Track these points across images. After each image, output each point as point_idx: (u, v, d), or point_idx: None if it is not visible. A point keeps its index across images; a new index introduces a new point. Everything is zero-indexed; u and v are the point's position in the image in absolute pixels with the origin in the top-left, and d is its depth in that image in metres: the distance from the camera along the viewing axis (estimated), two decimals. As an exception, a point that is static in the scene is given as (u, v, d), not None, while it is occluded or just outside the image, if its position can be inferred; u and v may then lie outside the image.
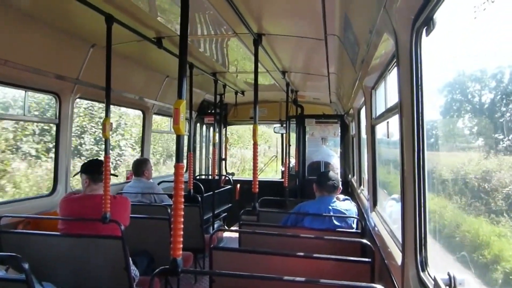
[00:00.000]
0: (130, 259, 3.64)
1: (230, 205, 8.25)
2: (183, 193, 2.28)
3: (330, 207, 4.34)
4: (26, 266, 2.45)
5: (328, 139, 8.90)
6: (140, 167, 5.96)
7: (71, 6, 3.55)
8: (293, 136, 9.19)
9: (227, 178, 9.00)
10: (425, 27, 1.91)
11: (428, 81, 2.06)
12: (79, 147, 12.81)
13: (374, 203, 4.36)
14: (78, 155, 12.59)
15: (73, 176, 4.94)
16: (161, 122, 11.32)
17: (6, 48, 3.88)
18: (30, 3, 3.75)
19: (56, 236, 3.70)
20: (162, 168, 16.12)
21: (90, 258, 3.58)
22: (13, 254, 2.56)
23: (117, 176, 4.13)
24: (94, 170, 3.95)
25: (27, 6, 3.78)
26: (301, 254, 3.13)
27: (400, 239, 2.47)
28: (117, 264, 3.50)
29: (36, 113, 10.18)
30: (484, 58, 1.76)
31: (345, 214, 4.33)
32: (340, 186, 4.58)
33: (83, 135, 13.07)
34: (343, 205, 4.45)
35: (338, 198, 4.53)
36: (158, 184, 6.53)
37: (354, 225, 4.39)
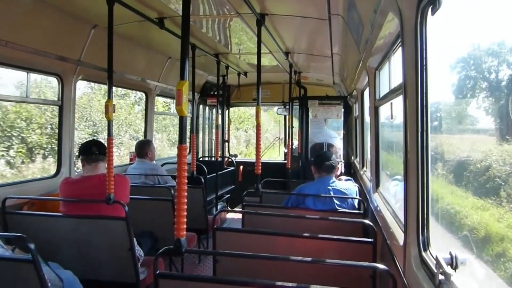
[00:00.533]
0: (135, 239, 3.68)
1: (233, 186, 8.29)
2: (186, 174, 2.29)
3: (329, 187, 4.36)
4: (32, 246, 2.48)
5: (330, 120, 8.87)
6: (143, 148, 5.98)
7: None
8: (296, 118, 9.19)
9: (230, 159, 9.02)
10: (431, 6, 1.88)
11: (433, 62, 2.05)
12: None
13: (377, 184, 4.37)
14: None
15: (76, 158, 4.96)
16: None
17: (7, 29, 3.85)
18: None
19: (61, 217, 3.73)
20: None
21: (94, 238, 3.62)
22: (19, 234, 2.59)
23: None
24: (85, 151, 3.96)
25: None
26: (304, 234, 3.15)
27: (402, 220, 2.48)
28: (121, 245, 3.54)
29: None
30: (488, 38, 1.74)
31: (345, 193, 4.35)
32: (339, 166, 4.59)
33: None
34: (343, 184, 4.47)
35: (340, 179, 4.54)
36: (162, 165, 6.55)
37: (356, 205, 4.42)
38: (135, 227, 3.66)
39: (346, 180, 4.76)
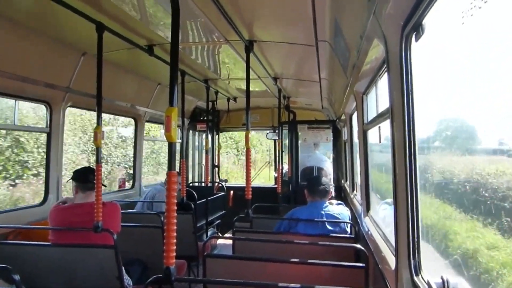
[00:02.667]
0: (123, 268, 3.62)
1: (223, 212, 8.24)
2: (176, 200, 2.28)
3: (322, 212, 4.34)
4: (17, 277, 2.43)
5: (320, 144, 8.92)
6: None
7: (62, 14, 3.54)
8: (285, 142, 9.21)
9: (220, 185, 8.99)
10: (415, 33, 1.93)
11: (419, 86, 2.08)
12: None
13: (367, 207, 4.37)
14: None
15: (66, 181, 4.91)
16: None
17: None
18: (20, 12, 3.73)
19: (47, 246, 3.66)
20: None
21: (82, 267, 3.55)
22: (4, 265, 2.53)
23: (105, 186, 4.10)
24: (81, 178, 3.93)
25: (17, 15, 3.76)
26: (296, 260, 3.12)
27: (393, 244, 2.48)
28: (110, 273, 3.47)
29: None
30: (472, 63, 1.78)
31: (338, 218, 4.33)
32: (331, 190, 4.59)
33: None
34: (336, 209, 4.46)
35: (331, 203, 4.53)
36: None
37: (348, 229, 4.40)
38: (123, 254, 3.60)
39: (337, 204, 4.75)
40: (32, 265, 3.50)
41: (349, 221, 4.42)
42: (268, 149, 20.13)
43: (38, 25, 4.01)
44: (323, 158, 8.80)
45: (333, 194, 7.50)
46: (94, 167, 3.77)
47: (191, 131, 9.75)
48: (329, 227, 4.29)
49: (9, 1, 3.50)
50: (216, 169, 9.41)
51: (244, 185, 4.13)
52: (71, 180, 4.03)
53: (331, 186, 4.69)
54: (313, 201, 4.45)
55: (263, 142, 22.06)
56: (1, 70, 3.93)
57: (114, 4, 3.40)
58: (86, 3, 3.42)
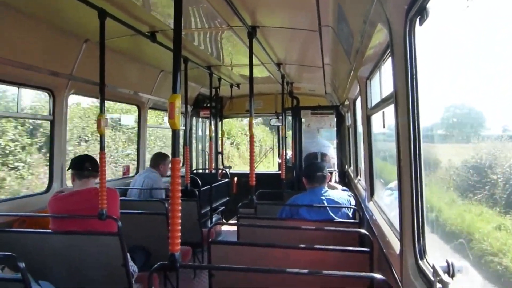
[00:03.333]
0: (128, 255, 3.64)
1: (227, 198, 8.26)
2: (180, 187, 2.29)
3: (322, 197, 4.36)
4: (22, 265, 2.44)
5: (323, 130, 8.90)
6: (157, 160, 6.18)
7: (64, 1, 3.53)
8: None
9: (224, 171, 9.01)
10: (419, 17, 1.91)
11: (423, 71, 2.07)
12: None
13: (371, 193, 4.37)
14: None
15: (67, 169, 4.94)
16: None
17: None
18: None
19: (52, 234, 3.68)
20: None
21: (87, 255, 3.57)
22: (9, 253, 2.55)
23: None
24: (77, 166, 3.95)
25: (19, 2, 3.75)
26: (300, 245, 3.14)
27: (398, 228, 2.48)
28: (114, 261, 3.49)
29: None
30: (476, 47, 1.76)
31: (339, 203, 4.35)
32: (329, 174, 4.60)
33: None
34: (335, 193, 4.47)
35: (335, 187, 4.54)
36: None
37: (350, 214, 4.42)
38: (128, 242, 3.62)
39: (343, 190, 4.75)
40: (37, 253, 3.53)
41: (353, 206, 4.43)
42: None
43: (40, 12, 4.00)
44: (326, 144, 8.78)
45: (337, 179, 7.54)
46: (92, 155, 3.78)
47: (194, 118, 9.75)
48: (331, 212, 4.31)
49: None
50: (220, 155, 9.42)
51: (248, 172, 4.14)
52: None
53: (332, 171, 4.69)
54: (312, 187, 4.47)
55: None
56: (4, 57, 3.92)
57: None
58: None
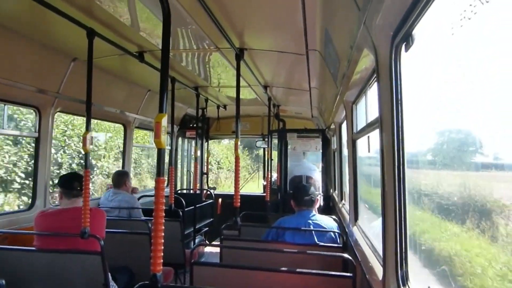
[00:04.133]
0: (110, 274, 3.58)
1: (211, 219, 8.21)
2: (164, 207, 2.27)
3: (310, 221, 4.33)
4: (3, 282, 2.40)
5: (309, 153, 8.93)
6: (122, 178, 5.89)
7: (53, 20, 3.53)
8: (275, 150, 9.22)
9: (208, 192, 8.96)
10: (404, 43, 1.95)
11: (408, 96, 2.09)
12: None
13: (356, 217, 4.37)
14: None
15: (54, 187, 4.87)
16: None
17: None
18: (10, 17, 3.72)
19: (34, 251, 3.63)
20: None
21: (68, 273, 3.51)
22: None
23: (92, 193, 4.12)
24: (66, 185, 3.91)
25: (8, 20, 3.75)
26: (283, 269, 3.11)
27: (381, 254, 2.48)
28: (96, 280, 3.44)
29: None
30: (461, 73, 1.79)
31: (325, 228, 4.33)
32: (318, 198, 4.58)
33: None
34: (323, 218, 4.45)
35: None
36: (139, 199, 6.46)
37: (337, 239, 4.40)
38: (110, 261, 3.57)
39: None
40: (18, 270, 3.47)
41: (337, 231, 4.41)
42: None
43: (29, 30, 4.00)
44: (312, 167, 8.80)
45: (321, 203, 7.53)
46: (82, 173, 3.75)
47: (180, 138, 9.73)
48: (316, 237, 4.29)
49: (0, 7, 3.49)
50: (205, 176, 9.38)
51: (233, 193, 4.12)
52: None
53: (319, 195, 4.69)
54: (300, 210, 4.45)
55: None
56: None
57: (105, 10, 3.40)
58: (77, 9, 3.42)
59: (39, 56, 4.41)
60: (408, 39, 1.89)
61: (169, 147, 7.14)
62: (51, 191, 5.11)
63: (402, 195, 2.12)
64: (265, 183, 9.28)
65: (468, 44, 1.60)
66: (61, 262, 3.53)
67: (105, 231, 4.01)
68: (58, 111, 5.12)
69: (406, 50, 1.95)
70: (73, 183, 3.90)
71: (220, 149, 23.76)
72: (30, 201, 4.99)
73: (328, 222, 4.42)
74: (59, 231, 3.69)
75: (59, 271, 3.52)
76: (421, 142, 2.50)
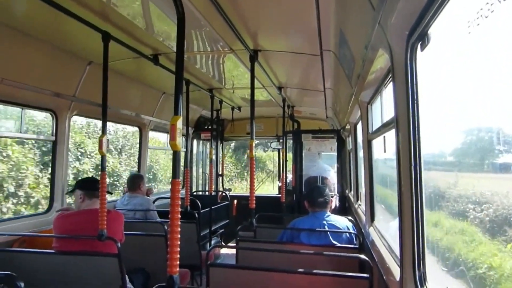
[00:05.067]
0: (127, 276, 3.61)
1: (227, 221, 8.22)
2: (179, 209, 2.28)
3: (324, 222, 4.32)
4: (22, 284, 2.43)
5: (324, 154, 8.90)
6: (137, 181, 5.93)
7: (68, 24, 3.57)
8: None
9: (224, 194, 8.98)
10: (420, 42, 1.93)
11: (425, 96, 2.07)
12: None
13: (372, 218, 4.34)
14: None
15: (66, 193, 4.91)
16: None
17: (2, 66, 3.89)
18: (27, 22, 3.77)
19: (52, 254, 3.67)
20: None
21: (85, 275, 3.54)
22: (8, 272, 2.53)
23: (111, 194, 4.14)
24: (90, 186, 3.97)
25: (24, 25, 3.80)
26: (299, 270, 3.10)
27: (398, 255, 2.46)
28: (113, 282, 3.47)
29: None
30: (479, 72, 1.77)
31: (340, 228, 4.31)
32: (332, 199, 4.56)
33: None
34: (338, 219, 4.43)
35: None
36: (154, 201, 6.50)
37: (353, 239, 4.37)
38: (127, 263, 3.60)
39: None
40: (36, 273, 3.51)
41: (353, 231, 4.39)
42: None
43: (45, 34, 4.05)
44: (327, 168, 8.77)
45: (337, 204, 7.50)
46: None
47: (195, 140, 9.77)
48: (332, 237, 4.27)
49: (16, 12, 3.54)
50: (220, 178, 9.40)
51: (248, 195, 4.13)
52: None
53: (332, 196, 4.67)
54: (314, 211, 4.44)
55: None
56: (8, 79, 3.96)
57: (120, 13, 3.43)
58: (92, 13, 3.45)
59: (55, 60, 4.46)
60: (423, 38, 1.88)
61: (184, 149, 7.17)
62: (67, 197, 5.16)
63: (419, 196, 2.10)
64: (280, 184, 9.28)
65: (486, 42, 1.58)
66: (79, 264, 3.57)
67: (123, 234, 4.04)
68: (75, 115, 5.17)
69: (422, 49, 1.93)
70: (95, 185, 3.95)
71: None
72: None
73: (342, 222, 4.40)
74: (79, 232, 3.73)
75: (77, 273, 3.55)
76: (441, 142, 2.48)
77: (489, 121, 1.85)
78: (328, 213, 4.42)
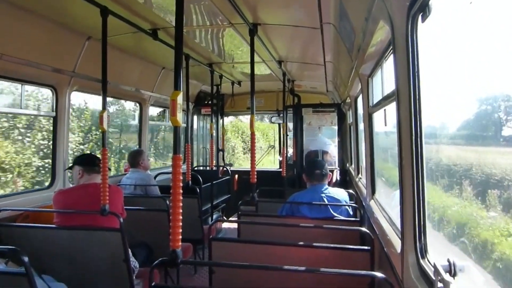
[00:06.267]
0: (130, 250, 3.66)
1: (228, 195, 8.27)
2: (181, 184, 2.29)
3: (323, 195, 4.36)
4: (26, 259, 2.46)
5: (324, 128, 8.90)
6: (136, 158, 5.97)
7: None
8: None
9: (225, 169, 9.01)
10: (421, 14, 1.90)
11: (426, 68, 2.06)
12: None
13: (372, 191, 4.37)
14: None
15: (65, 170, 4.93)
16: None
17: (1, 42, 3.86)
18: None
19: (55, 228, 3.71)
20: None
21: (89, 250, 3.59)
22: (13, 247, 2.56)
23: (110, 170, 4.14)
24: (89, 162, 4.00)
25: (22, 0, 3.76)
26: (300, 243, 3.14)
27: (399, 227, 2.48)
28: (116, 256, 3.51)
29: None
30: (480, 44, 1.75)
31: (339, 200, 4.35)
32: (330, 173, 4.59)
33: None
34: (335, 191, 4.47)
35: None
36: (155, 176, 6.52)
37: (350, 211, 4.42)
38: (129, 238, 3.64)
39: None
40: (40, 247, 3.55)
41: (354, 204, 4.43)
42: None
43: (43, 9, 4.01)
44: (327, 142, 8.78)
45: (338, 177, 7.54)
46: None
47: (195, 116, 9.75)
48: (332, 209, 4.31)
49: None
50: (221, 153, 9.42)
51: (249, 169, 4.14)
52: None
53: (334, 169, 4.69)
54: (312, 185, 4.47)
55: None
56: (7, 55, 3.93)
57: None
58: None
59: (54, 36, 4.42)
60: (424, 9, 1.85)
61: (184, 125, 7.16)
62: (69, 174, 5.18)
63: (420, 168, 2.10)
64: (281, 158, 9.30)
65: (487, 12, 1.56)
66: (82, 239, 3.60)
67: (124, 208, 4.08)
68: (74, 90, 5.15)
69: (423, 20, 1.91)
70: (94, 161, 4.01)
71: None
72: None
73: (341, 194, 4.45)
74: (79, 207, 3.77)
75: (80, 248, 3.60)
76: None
77: (492, 91, 1.84)
78: (326, 185, 4.45)
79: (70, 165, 4.25)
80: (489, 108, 1.95)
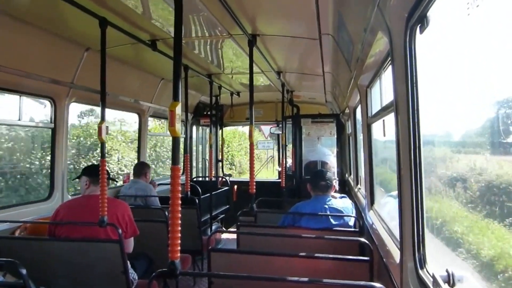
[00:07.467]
0: (128, 262, 3.64)
1: (227, 206, 8.26)
2: (180, 195, 2.28)
3: (326, 206, 4.34)
4: (24, 271, 2.44)
5: (323, 138, 8.91)
6: (143, 169, 6.05)
7: (65, 10, 3.54)
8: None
9: (224, 179, 9.00)
10: (419, 25, 1.91)
11: (424, 79, 2.06)
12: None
13: (372, 201, 4.36)
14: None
15: (73, 180, 4.94)
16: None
17: (0, 53, 3.87)
18: (23, 8, 3.74)
19: (53, 240, 3.70)
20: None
21: (88, 262, 3.57)
22: (10, 259, 2.55)
23: (116, 181, 4.15)
24: (97, 173, 3.98)
25: (21, 11, 3.77)
26: (300, 254, 3.13)
27: (398, 237, 2.47)
28: (115, 268, 3.50)
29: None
30: (478, 55, 1.76)
31: (341, 212, 4.34)
32: (334, 184, 4.58)
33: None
34: (339, 202, 4.45)
35: (334, 196, 4.53)
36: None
37: (351, 223, 4.40)
38: None
39: (341, 197, 4.75)
40: (38, 260, 3.53)
41: (353, 215, 4.41)
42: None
43: (42, 21, 4.02)
44: (326, 152, 8.79)
45: (337, 188, 7.52)
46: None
47: (194, 126, 9.76)
48: (333, 221, 4.29)
49: None
50: (220, 163, 9.41)
51: (248, 180, 4.14)
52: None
53: (334, 180, 4.69)
54: (316, 195, 4.46)
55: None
56: (6, 66, 3.94)
57: None
58: None
59: (53, 47, 4.43)
60: (423, 21, 1.86)
61: (183, 135, 7.17)
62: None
63: (418, 179, 2.10)
64: (280, 169, 9.30)
65: (485, 24, 1.57)
66: (81, 251, 3.59)
67: (133, 222, 4.10)
68: (73, 101, 5.16)
69: (421, 32, 1.92)
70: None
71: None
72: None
73: (344, 205, 4.43)
74: (81, 218, 3.77)
75: (79, 259, 3.58)
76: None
77: (489, 104, 1.84)
78: (330, 197, 4.44)
79: (78, 175, 4.26)
80: (489, 117, 1.95)
